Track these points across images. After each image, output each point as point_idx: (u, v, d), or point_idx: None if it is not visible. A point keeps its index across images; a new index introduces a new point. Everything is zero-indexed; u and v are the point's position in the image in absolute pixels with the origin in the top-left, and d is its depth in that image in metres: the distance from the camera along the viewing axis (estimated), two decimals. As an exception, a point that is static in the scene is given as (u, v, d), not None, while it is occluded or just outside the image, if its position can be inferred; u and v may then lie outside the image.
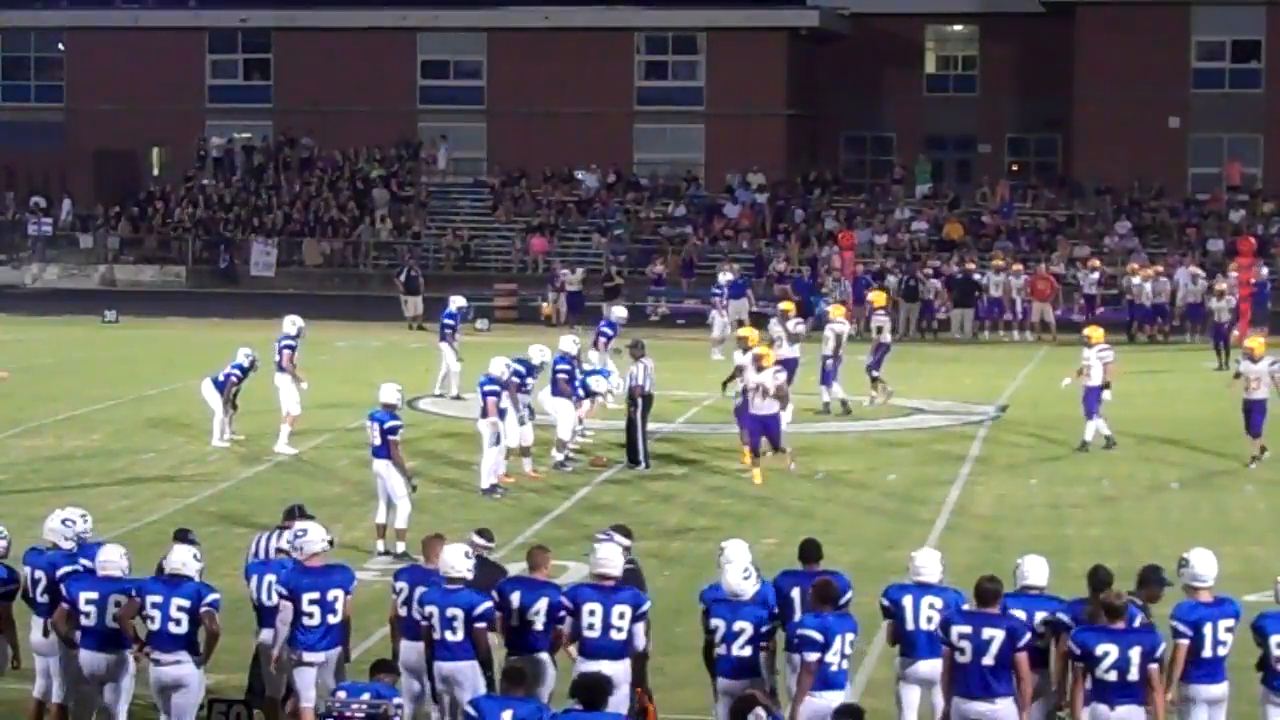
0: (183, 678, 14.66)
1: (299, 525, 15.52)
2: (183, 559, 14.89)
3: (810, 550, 15.22)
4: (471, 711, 12.64)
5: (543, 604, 14.63)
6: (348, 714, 13.64)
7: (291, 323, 30.69)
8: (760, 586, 14.48)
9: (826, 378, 33.91)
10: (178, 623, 14.61)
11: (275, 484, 27.00)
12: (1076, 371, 30.58)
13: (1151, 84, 63.90)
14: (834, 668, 13.78)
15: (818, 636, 13.73)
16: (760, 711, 13.16)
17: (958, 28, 71.86)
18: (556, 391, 28.30)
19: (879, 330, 35.85)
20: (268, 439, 29.90)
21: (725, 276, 48.05)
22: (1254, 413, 28.81)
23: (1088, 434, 30.13)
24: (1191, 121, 65.35)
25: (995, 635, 13.53)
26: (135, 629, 14.88)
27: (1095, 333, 31.22)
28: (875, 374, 35.53)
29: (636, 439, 28.27)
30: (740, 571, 14.38)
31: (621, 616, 14.38)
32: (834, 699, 13.52)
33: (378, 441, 22.64)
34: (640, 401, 28.35)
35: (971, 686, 13.56)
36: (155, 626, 14.65)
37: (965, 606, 13.97)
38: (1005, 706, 13.58)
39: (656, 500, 26.18)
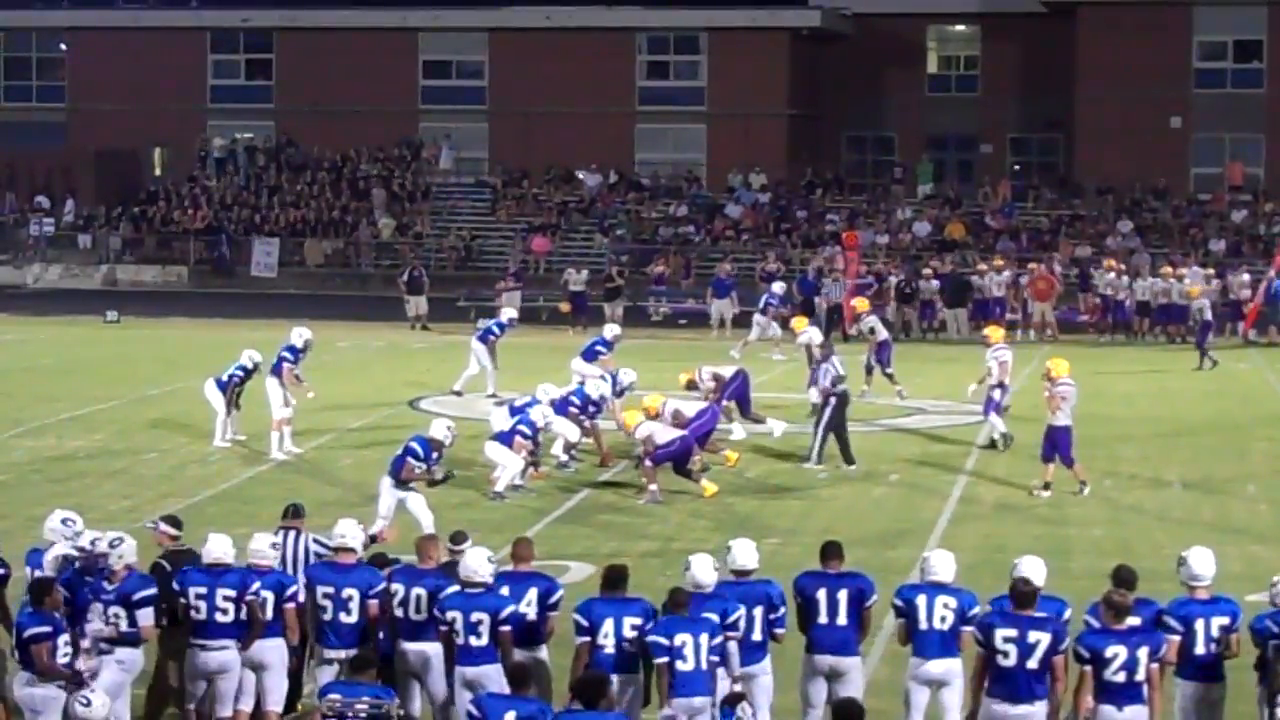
0: (228, 663, 15.10)
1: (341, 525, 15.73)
2: (223, 548, 15.27)
3: (831, 550, 15.21)
4: (475, 710, 12.70)
5: (532, 594, 14.75)
6: (349, 714, 13.66)
7: (299, 335, 30.32)
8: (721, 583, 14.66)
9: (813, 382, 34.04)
10: (224, 611, 15.01)
11: (277, 484, 26.99)
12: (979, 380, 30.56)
13: (1153, 84, 63.87)
14: (607, 650, 14.03)
15: (582, 621, 14.14)
16: (746, 706, 13.21)
17: (959, 28, 71.83)
18: (562, 413, 28.08)
19: (871, 330, 36.06)
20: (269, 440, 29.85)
21: (779, 286, 47.28)
22: (1047, 438, 26.29)
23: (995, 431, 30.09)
24: (1193, 121, 65.32)
25: (1042, 639, 13.54)
26: (261, 625, 15.21)
27: (995, 333, 31.33)
28: (889, 370, 35.80)
29: (845, 436, 28.34)
30: (709, 565, 14.56)
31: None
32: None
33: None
34: (834, 401, 28.20)
35: (1015, 689, 13.52)
36: (201, 616, 15.04)
37: (1007, 608, 13.88)
38: (1041, 709, 13.59)
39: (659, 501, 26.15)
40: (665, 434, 26.30)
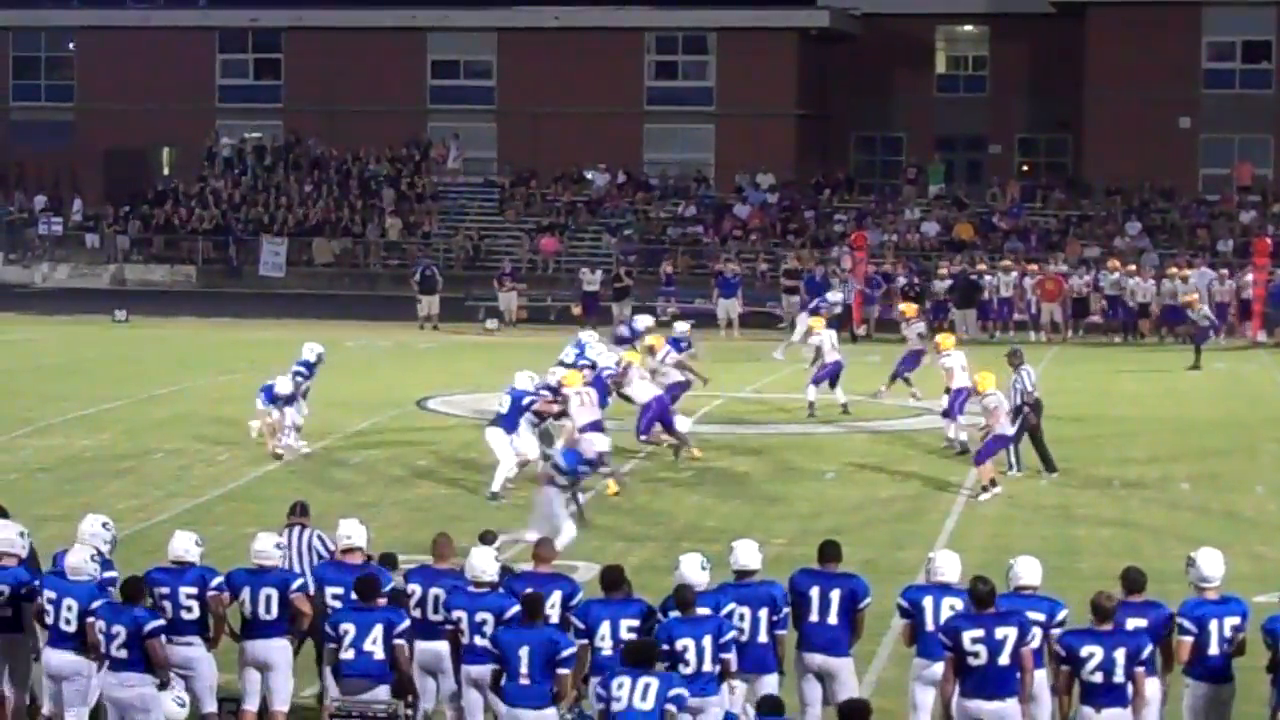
0: (192, 659, 14.94)
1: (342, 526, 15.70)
2: (185, 546, 15.21)
3: (829, 550, 15.20)
4: (580, 623, 13.86)
5: (556, 596, 14.76)
6: (355, 713, 13.69)
7: (311, 350, 29.91)
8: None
9: (814, 381, 33.70)
10: (189, 609, 14.91)
11: (285, 484, 26.99)
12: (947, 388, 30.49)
13: (1162, 84, 63.85)
14: (605, 652, 14.05)
15: (579, 623, 14.19)
16: (749, 708, 13.24)
17: (968, 28, 71.83)
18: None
19: (920, 337, 35.27)
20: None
21: (835, 296, 47.08)
22: (988, 443, 26.29)
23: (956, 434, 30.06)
24: (1202, 122, 65.29)
25: (1009, 634, 13.58)
26: (224, 621, 15.18)
27: (945, 340, 31.03)
28: (906, 376, 34.93)
29: (1045, 446, 28.15)
30: (698, 564, 14.54)
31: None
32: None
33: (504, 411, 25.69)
34: (1026, 410, 28.07)
35: (988, 688, 13.56)
36: (167, 615, 14.87)
37: (964, 610, 13.94)
38: (1014, 705, 13.64)
39: (666, 501, 26.14)
40: (585, 415, 26.09)
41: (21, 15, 73.01)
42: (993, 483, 26.30)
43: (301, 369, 29.62)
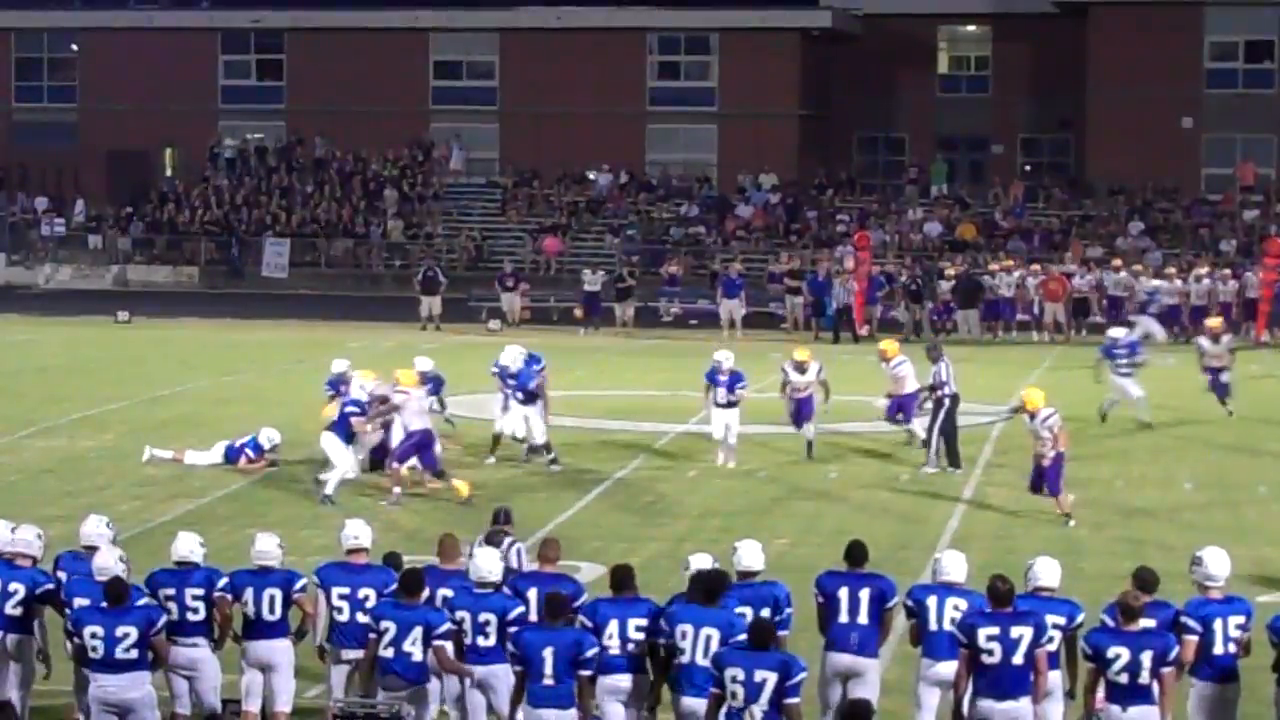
0: (198, 659, 14.91)
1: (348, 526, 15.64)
2: (190, 547, 15.21)
3: (857, 552, 15.15)
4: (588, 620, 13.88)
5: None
6: (360, 713, 13.68)
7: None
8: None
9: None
10: (194, 610, 14.88)
11: (287, 485, 26.99)
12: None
13: (1165, 84, 63.84)
14: (612, 651, 14.01)
15: (587, 622, 14.12)
16: (754, 710, 13.27)
17: (970, 28, 71.80)
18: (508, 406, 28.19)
19: (1230, 352, 34.26)
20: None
21: (1158, 280, 46.34)
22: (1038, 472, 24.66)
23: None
24: (1205, 122, 65.28)
25: (1024, 633, 13.58)
26: (230, 622, 15.14)
27: (890, 346, 30.46)
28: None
29: (955, 441, 28.20)
30: (709, 563, 14.62)
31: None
32: (616, 681, 13.96)
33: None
34: (948, 402, 28.12)
35: (1003, 686, 13.57)
36: (173, 617, 14.83)
37: (987, 609, 13.92)
38: (1026, 705, 13.65)
39: (669, 501, 26.13)
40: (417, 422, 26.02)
41: (24, 16, 72.99)
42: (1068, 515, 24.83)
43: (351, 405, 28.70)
